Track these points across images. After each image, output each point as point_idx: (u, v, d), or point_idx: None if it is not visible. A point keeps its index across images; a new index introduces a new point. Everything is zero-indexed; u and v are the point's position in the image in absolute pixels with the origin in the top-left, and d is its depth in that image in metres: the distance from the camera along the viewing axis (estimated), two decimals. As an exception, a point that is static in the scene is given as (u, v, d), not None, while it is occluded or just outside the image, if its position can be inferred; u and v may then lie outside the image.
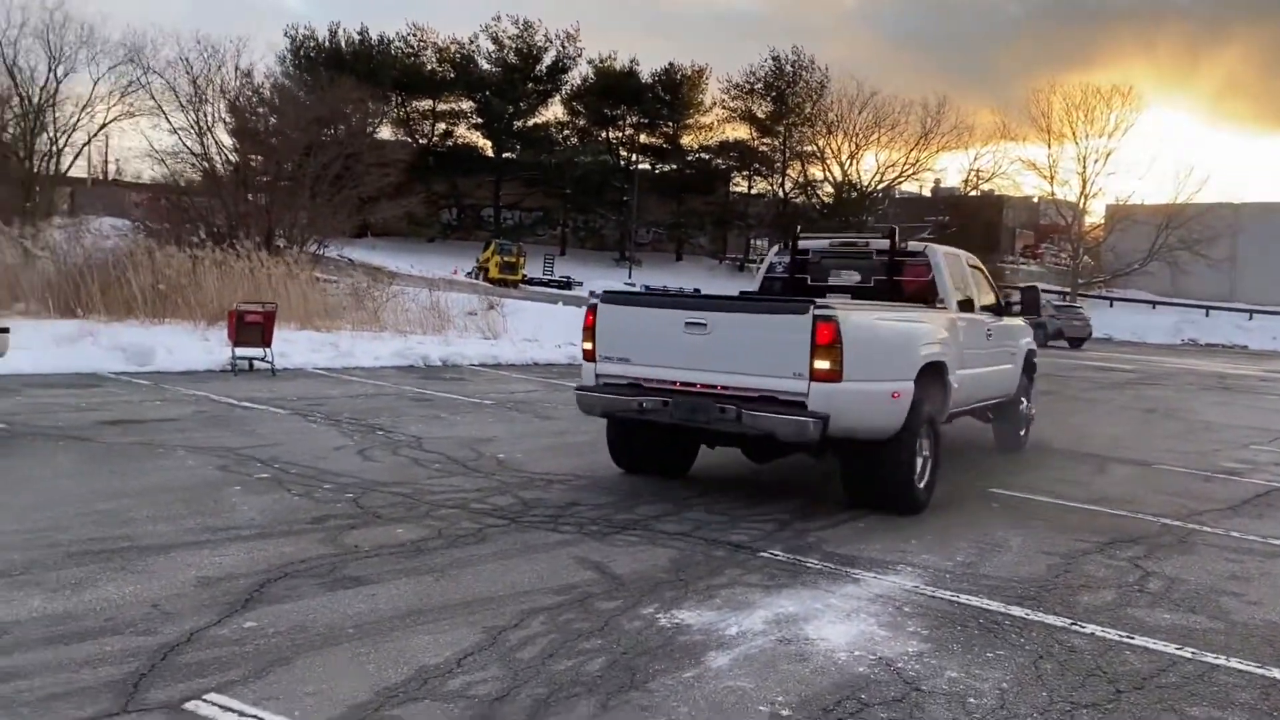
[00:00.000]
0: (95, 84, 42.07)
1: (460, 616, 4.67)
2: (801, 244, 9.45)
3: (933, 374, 7.59)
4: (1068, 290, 54.78)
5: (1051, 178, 58.50)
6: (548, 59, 61.17)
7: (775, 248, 9.80)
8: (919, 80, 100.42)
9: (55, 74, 41.05)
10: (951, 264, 8.89)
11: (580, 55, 61.67)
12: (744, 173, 65.90)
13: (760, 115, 62.64)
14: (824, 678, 4.24)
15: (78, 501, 6.36)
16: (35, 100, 40.60)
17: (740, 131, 63.61)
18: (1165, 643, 4.92)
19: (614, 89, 60.89)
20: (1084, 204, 58.92)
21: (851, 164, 60.43)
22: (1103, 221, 60.79)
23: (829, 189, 61.65)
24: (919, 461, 7.36)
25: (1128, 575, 6.15)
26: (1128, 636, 4.99)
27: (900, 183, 61.80)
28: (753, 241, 66.61)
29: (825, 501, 7.72)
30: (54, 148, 41.85)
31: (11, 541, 5.41)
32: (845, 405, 6.59)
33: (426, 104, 60.27)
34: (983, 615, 5.19)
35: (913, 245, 8.88)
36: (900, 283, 8.74)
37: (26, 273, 17.88)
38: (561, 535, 6.27)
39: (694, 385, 7.02)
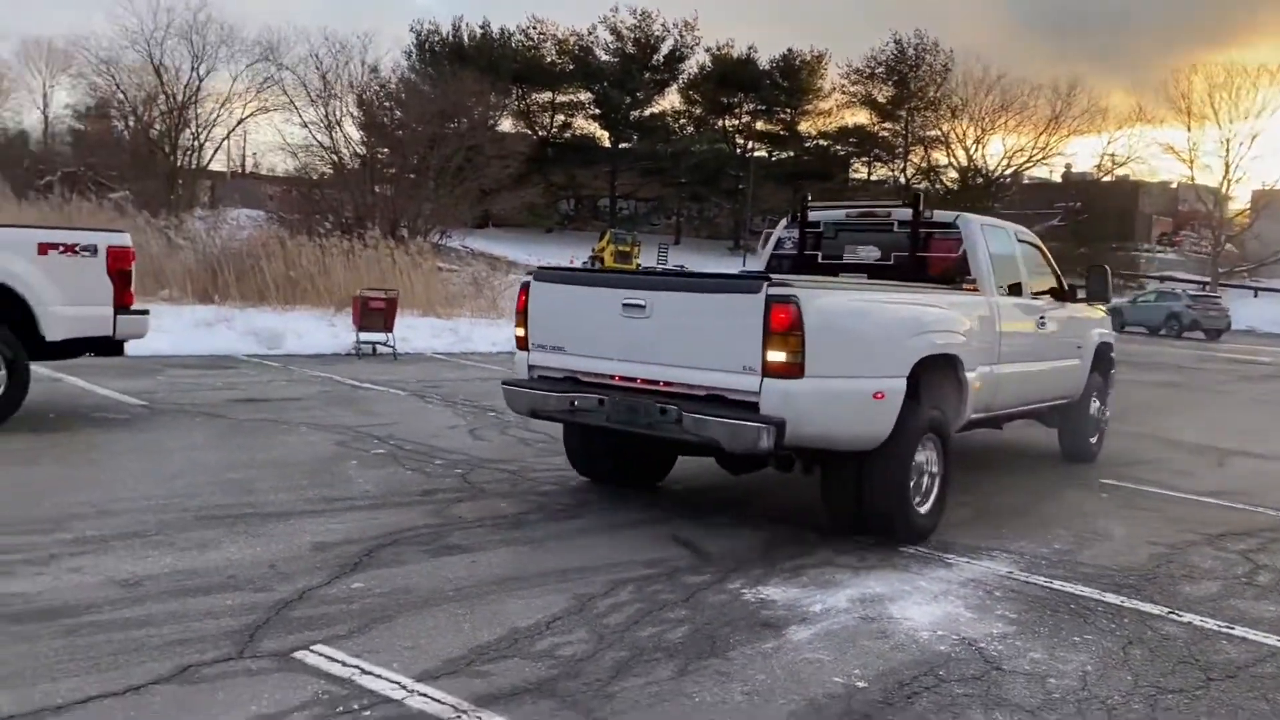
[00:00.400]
0: (234, 81, 44.25)
1: (553, 584, 4.88)
2: (813, 215, 8.01)
3: (940, 370, 6.33)
4: (1207, 280, 52.26)
5: (1191, 162, 55.81)
6: (665, 48, 61.37)
7: (784, 220, 8.35)
8: (1049, 62, 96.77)
9: (198, 72, 43.32)
10: (992, 238, 7.44)
11: (698, 44, 61.67)
12: (864, 159, 64.87)
13: (881, 100, 61.53)
14: (903, 654, 4.30)
15: (209, 471, 6.83)
16: (179, 98, 42.88)
17: (860, 117, 62.65)
18: (1266, 634, 4.80)
19: (731, 76, 60.66)
20: (1227, 189, 56.01)
21: (977, 149, 58.86)
22: (1247, 207, 57.69)
23: (953, 175, 60.17)
24: (922, 479, 6.10)
25: (1236, 568, 5.97)
26: (1227, 627, 4.88)
27: (1028, 168, 59.90)
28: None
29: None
30: (196, 142, 44.18)
31: (149, 505, 5.87)
32: (808, 407, 5.34)
33: (546, 96, 61.20)
34: (1075, 601, 5.15)
35: (941, 215, 7.47)
36: (926, 259, 7.37)
37: (170, 261, 18.98)
38: (656, 512, 6.45)
39: (634, 380, 5.88)
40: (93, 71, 43.07)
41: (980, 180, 58.31)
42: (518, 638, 4.19)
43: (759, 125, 63.78)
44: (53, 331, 7.86)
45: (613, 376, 5.97)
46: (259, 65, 43.06)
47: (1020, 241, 8.02)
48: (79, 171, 37.22)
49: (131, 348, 8.78)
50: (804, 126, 63.49)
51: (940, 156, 60.78)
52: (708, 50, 61.66)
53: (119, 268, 8.13)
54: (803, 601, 4.89)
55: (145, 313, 8.52)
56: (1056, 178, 63.09)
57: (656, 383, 5.78)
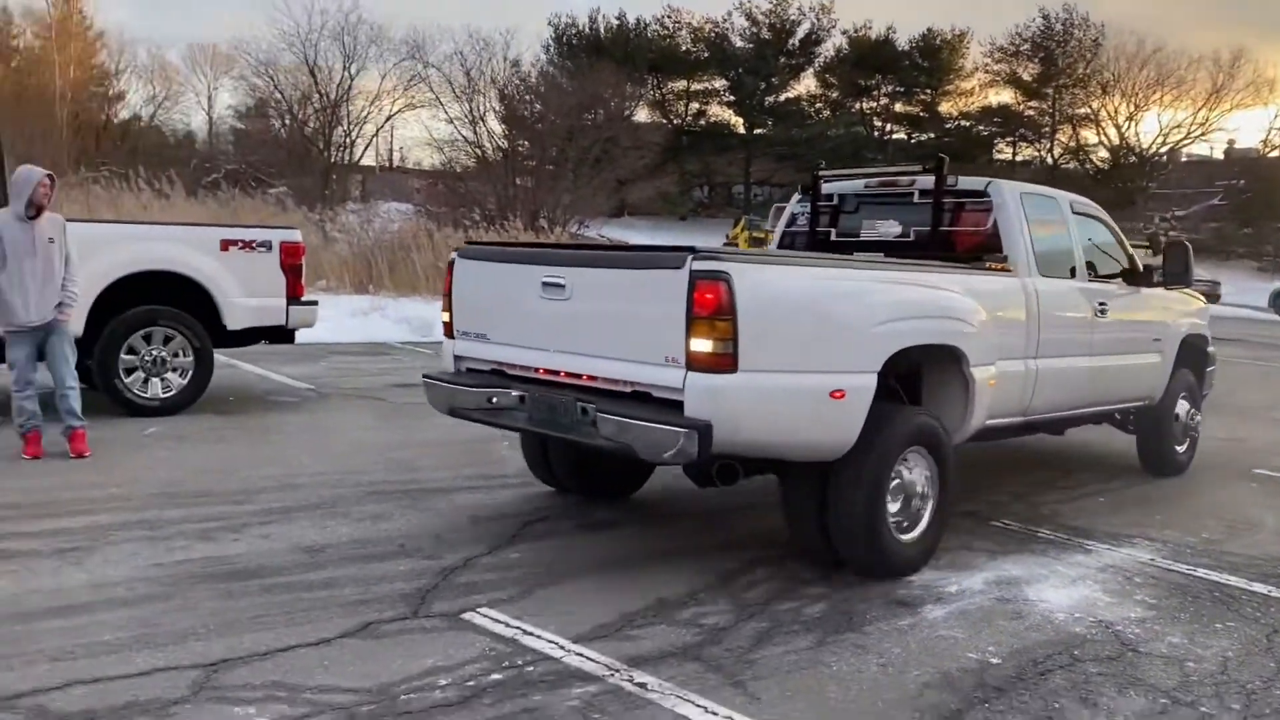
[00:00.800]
0: (382, 79, 45.93)
1: (695, 559, 5.15)
2: (827, 186, 7.02)
3: (938, 364, 5.40)
4: (1387, 261, 48.68)
5: (1370, 133, 52.02)
6: (800, 32, 60.76)
7: (796, 194, 7.37)
8: (1210, 32, 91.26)
9: (349, 71, 45.12)
10: (1034, 209, 6.33)
11: (834, 26, 60.80)
12: (1008, 139, 62.85)
13: (1026, 78, 59.43)
14: (1038, 634, 4.40)
15: (374, 450, 7.36)
16: (332, 96, 44.84)
17: (1004, 96, 60.67)
18: None
19: (869, 58, 59.62)
20: None
21: (1130, 126, 56.24)
22: None
23: (1104, 154, 57.74)
24: (910, 500, 5.09)
25: (1397, 560, 5.79)
26: (1382, 619, 4.78)
27: (1187, 145, 56.89)
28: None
29: (1069, 476, 7.67)
30: (347, 139, 46.10)
31: (324, 481, 6.41)
32: (742, 408, 4.40)
33: (680, 84, 61.41)
34: (1219, 589, 5.12)
35: (969, 183, 6.37)
36: (952, 234, 6.33)
37: (326, 253, 20.05)
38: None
39: (558, 373, 5.05)
40: (252, 73, 45.44)
41: (1134, 159, 55.81)
42: (663, 607, 4.47)
43: (898, 107, 62.51)
44: (233, 321, 8.56)
45: (536, 369, 5.17)
46: (406, 63, 44.63)
47: (1077, 214, 6.86)
48: (240, 169, 39.40)
49: (297, 335, 9.46)
50: (945, 107, 61.90)
51: (1090, 135, 58.36)
52: (844, 33, 60.73)
53: (291, 262, 8.78)
54: (938, 582, 5.02)
55: (314, 303, 9.17)
56: (1218, 154, 59.76)
57: (580, 376, 4.94)
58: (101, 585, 4.47)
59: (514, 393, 5.09)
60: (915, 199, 6.51)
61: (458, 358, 5.72)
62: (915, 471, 5.11)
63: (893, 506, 4.99)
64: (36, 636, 3.87)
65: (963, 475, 7.46)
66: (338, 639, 3.97)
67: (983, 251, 6.14)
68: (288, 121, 45.33)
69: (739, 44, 60.83)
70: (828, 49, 61.62)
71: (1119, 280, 7.07)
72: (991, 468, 7.84)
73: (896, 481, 5.01)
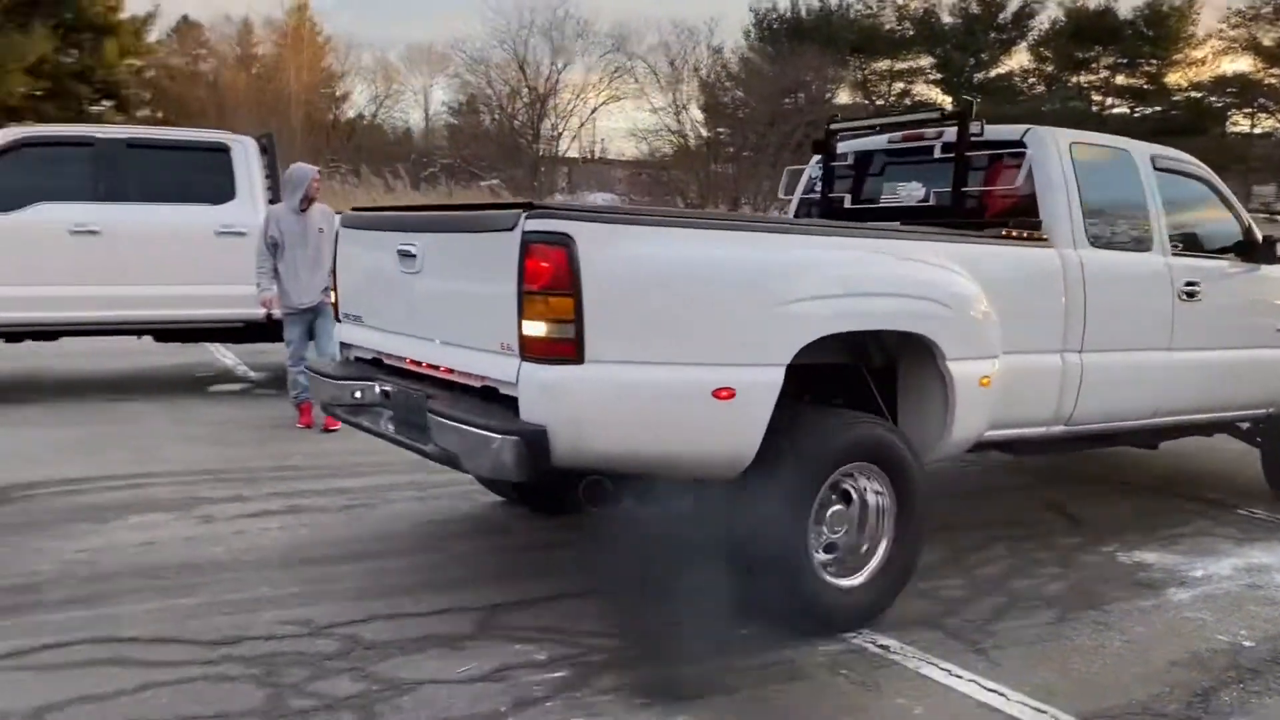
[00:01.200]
0: (587, 72, 47.22)
1: (932, 535, 5.19)
2: (847, 144, 5.90)
3: (916, 357, 4.24)
4: None
5: None
6: (1013, 5, 58.31)
7: (817, 156, 6.14)
8: None
9: (556, 66, 46.62)
10: (1086, 163, 4.98)
11: (1048, -2, 58.04)
12: (1245, 110, 58.23)
13: (1268, 43, 54.90)
14: (1294, 621, 4.29)
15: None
16: (540, 90, 46.46)
17: (1241, 64, 56.27)
18: None
19: (1086, 29, 56.53)
20: None
21: (1390, 91, 51.06)
22: None
23: (1358, 122, 52.68)
24: (857, 534, 4.02)
25: None
26: None
27: None
28: (1253, 188, 58.70)
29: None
30: (555, 132, 47.65)
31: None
32: (590, 409, 3.46)
33: (884, 64, 60.14)
34: None
35: (999, 131, 5.08)
36: (982, 196, 5.11)
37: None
38: (1024, 479, 6.61)
39: (421, 364, 4.20)
40: (466, 71, 47.64)
41: (1395, 127, 50.63)
42: (899, 578, 4.61)
43: (1119, 80, 59.01)
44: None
45: (405, 358, 4.32)
46: (610, 56, 45.68)
47: (1161, 171, 5.40)
48: (455, 163, 41.49)
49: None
50: (1172, 78, 57.95)
51: (1342, 102, 53.36)
52: (1059, 4, 57.87)
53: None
54: (1181, 566, 4.94)
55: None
56: None
57: (438, 368, 4.07)
58: (384, 537, 5.02)
59: (378, 388, 4.33)
60: (936, 154, 5.23)
61: (344, 345, 4.91)
62: (865, 495, 4.05)
63: (833, 537, 3.96)
64: (338, 578, 4.42)
65: (1203, 465, 7.22)
66: (595, 591, 4.33)
67: (1019, 215, 4.91)
68: (497, 116, 47.31)
69: (947, 20, 58.96)
70: (1042, 22, 58.78)
71: (1230, 256, 5.71)
72: (1235, 456, 7.48)
73: (836, 509, 3.96)
